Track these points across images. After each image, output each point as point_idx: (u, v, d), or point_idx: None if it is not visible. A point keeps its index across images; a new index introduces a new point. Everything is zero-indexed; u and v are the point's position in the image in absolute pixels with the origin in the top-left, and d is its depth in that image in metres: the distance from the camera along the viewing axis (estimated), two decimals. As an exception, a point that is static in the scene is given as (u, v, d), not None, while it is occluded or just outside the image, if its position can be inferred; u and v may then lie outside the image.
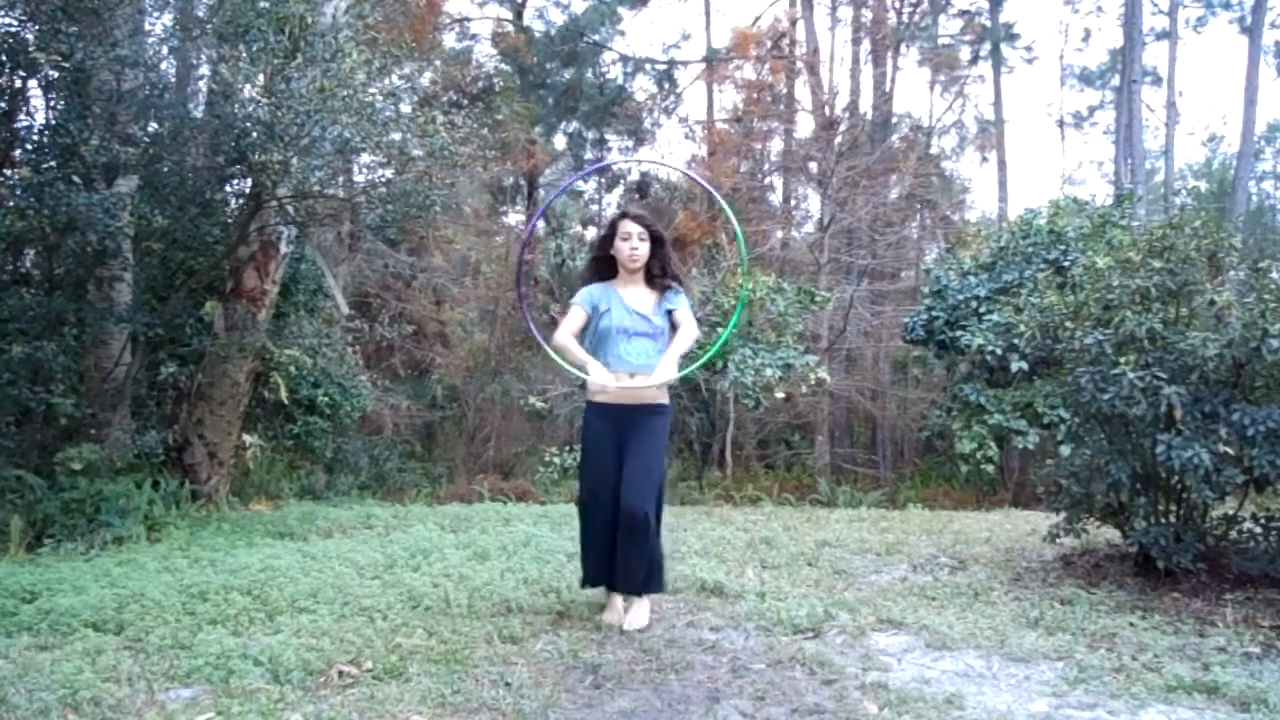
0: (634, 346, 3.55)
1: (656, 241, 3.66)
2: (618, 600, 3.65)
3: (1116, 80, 20.38)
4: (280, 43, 5.64)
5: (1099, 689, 2.94)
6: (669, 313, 3.69)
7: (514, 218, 18.32)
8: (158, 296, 6.77)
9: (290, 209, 6.56)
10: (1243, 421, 3.86)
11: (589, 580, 3.75)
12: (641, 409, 3.57)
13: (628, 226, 3.63)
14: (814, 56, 16.39)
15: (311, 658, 3.07)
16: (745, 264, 3.23)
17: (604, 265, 3.75)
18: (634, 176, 18.38)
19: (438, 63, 14.44)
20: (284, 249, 6.93)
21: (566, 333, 3.60)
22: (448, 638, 3.37)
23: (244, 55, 5.66)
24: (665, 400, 3.65)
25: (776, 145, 17.07)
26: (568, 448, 9.74)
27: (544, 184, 17.92)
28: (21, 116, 5.90)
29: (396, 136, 6.20)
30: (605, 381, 3.49)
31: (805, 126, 16.73)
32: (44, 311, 5.80)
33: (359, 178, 7.73)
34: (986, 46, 19.33)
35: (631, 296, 3.64)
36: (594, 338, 3.63)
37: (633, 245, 3.61)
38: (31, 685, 2.85)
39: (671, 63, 18.37)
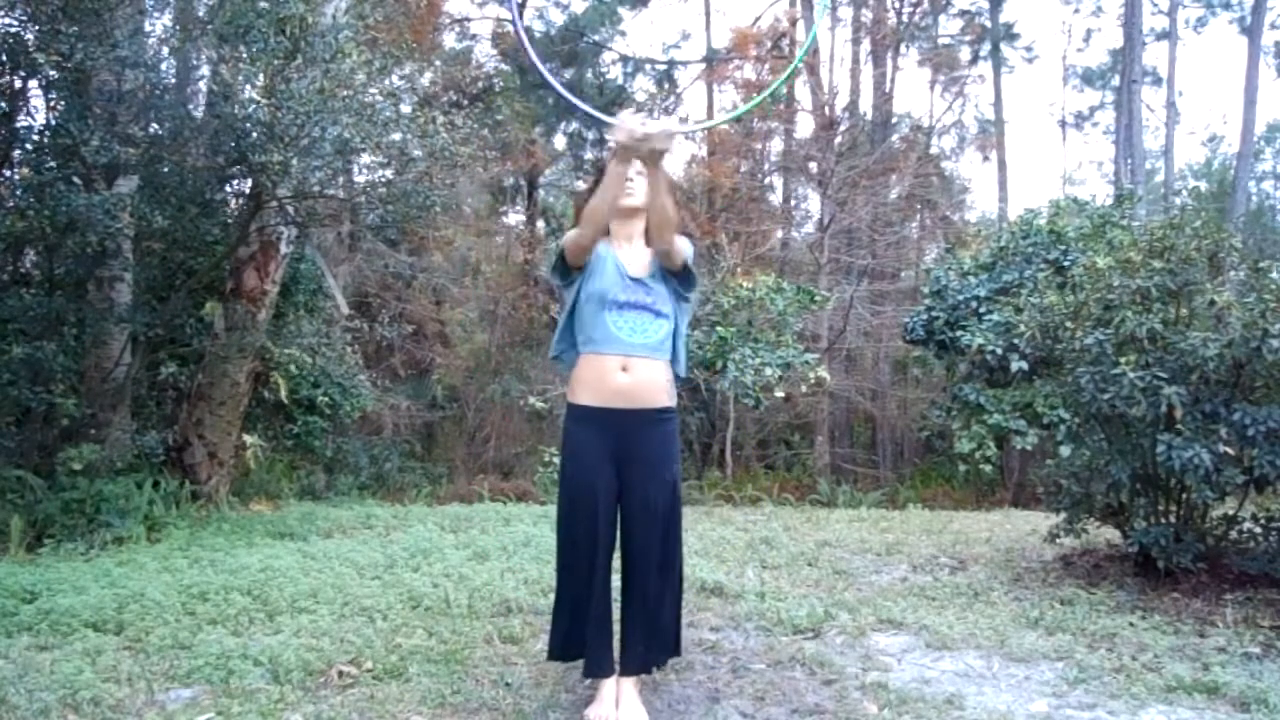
0: (626, 321, 2.74)
1: None
2: (609, 690, 2.70)
3: (1117, 80, 20.37)
4: (280, 43, 5.64)
5: (1099, 689, 2.94)
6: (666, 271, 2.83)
7: (514, 218, 18.29)
8: (158, 296, 6.77)
9: (290, 209, 6.57)
10: (1243, 421, 3.86)
11: (568, 657, 2.78)
12: (643, 415, 2.72)
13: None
14: (814, 56, 16.38)
15: (311, 658, 3.07)
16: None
17: None
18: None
19: (438, 63, 14.41)
20: (284, 249, 6.94)
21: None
22: (448, 638, 3.37)
23: (244, 56, 5.67)
24: (672, 403, 2.82)
25: (776, 145, 17.06)
26: (567, 448, 9.70)
27: (544, 184, 17.90)
28: (21, 116, 5.90)
29: (396, 137, 6.22)
30: (636, 125, 2.51)
31: (805, 126, 16.73)
32: (44, 311, 5.80)
33: (359, 178, 7.73)
34: (986, 46, 19.33)
35: (627, 257, 2.82)
36: (579, 306, 2.83)
37: (628, 179, 2.79)
38: (31, 685, 2.85)
39: (671, 63, 18.35)
